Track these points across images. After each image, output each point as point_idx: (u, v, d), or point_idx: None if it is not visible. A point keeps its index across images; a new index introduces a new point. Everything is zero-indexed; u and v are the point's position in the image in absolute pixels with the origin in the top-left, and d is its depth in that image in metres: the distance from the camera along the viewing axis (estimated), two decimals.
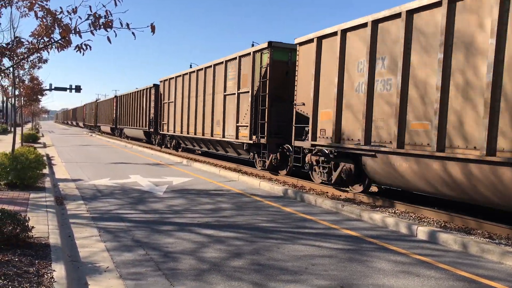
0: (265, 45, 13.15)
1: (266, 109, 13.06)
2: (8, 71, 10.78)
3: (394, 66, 8.46)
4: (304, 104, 11.24)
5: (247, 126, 14.05)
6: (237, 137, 14.82)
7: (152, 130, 27.19)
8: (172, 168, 16.23)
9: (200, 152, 21.77)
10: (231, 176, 13.68)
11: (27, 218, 5.47)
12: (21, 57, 6.92)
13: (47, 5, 5.07)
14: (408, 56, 8.15)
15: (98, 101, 54.20)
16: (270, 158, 13.31)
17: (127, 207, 8.80)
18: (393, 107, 8.44)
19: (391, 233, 7.20)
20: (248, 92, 14.03)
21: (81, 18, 4.92)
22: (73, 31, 4.94)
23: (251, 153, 14.57)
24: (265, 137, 13.19)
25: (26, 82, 16.26)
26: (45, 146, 25.69)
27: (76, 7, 4.95)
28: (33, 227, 5.55)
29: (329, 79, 10.24)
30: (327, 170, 10.70)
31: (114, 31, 5.02)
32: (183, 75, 20.39)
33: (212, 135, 16.95)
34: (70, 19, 4.97)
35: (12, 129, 15.95)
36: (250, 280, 4.88)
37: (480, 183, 6.97)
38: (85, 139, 37.57)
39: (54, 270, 4.53)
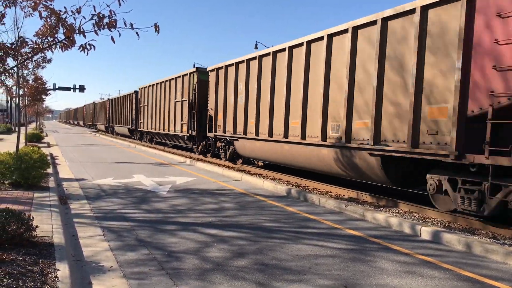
0: (194, 69, 19.57)
1: (196, 112, 19.13)
2: (12, 70, 10.83)
3: (246, 88, 14.47)
4: (212, 109, 17.44)
5: (186, 123, 20.27)
6: (181, 131, 21.06)
7: (133, 127, 33.09)
8: (176, 167, 16.27)
9: (171, 145, 26.68)
10: (234, 175, 13.69)
11: (31, 218, 5.50)
12: (25, 56, 6.94)
13: (51, 5, 5.09)
14: (247, 82, 14.43)
15: (95, 102, 59.41)
16: (200, 146, 19.59)
17: (130, 207, 8.82)
18: (241, 112, 14.79)
19: (395, 233, 7.18)
20: (187, 100, 20.15)
21: (85, 18, 4.95)
22: (77, 31, 4.96)
23: (191, 143, 20.70)
24: (195, 131, 19.30)
25: (30, 81, 16.28)
26: (49, 145, 25.80)
27: (80, 7, 4.97)
28: (37, 226, 5.57)
29: (220, 95, 16.63)
30: (224, 151, 17.02)
31: (118, 31, 5.05)
32: (152, 85, 26.79)
33: (169, 130, 23.23)
34: (74, 19, 5.00)
35: (16, 129, 15.99)
36: (254, 280, 4.89)
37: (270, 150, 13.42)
38: (89, 138, 37.69)
39: (58, 269, 4.54)
